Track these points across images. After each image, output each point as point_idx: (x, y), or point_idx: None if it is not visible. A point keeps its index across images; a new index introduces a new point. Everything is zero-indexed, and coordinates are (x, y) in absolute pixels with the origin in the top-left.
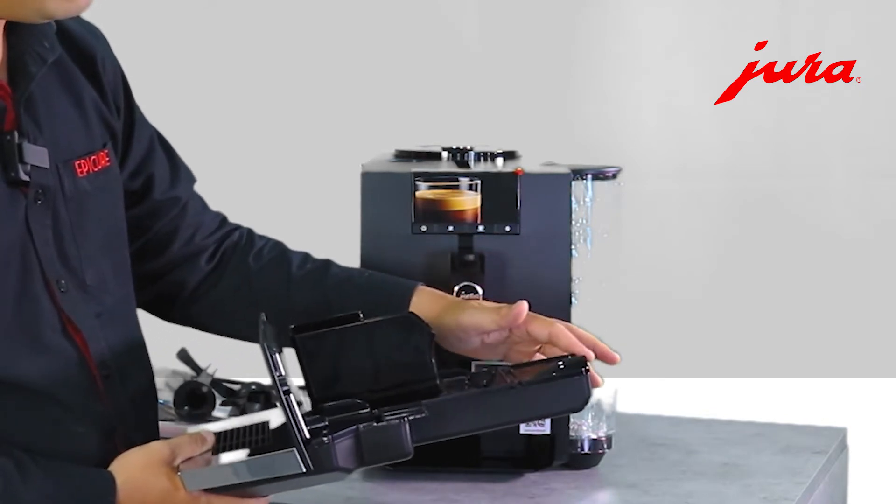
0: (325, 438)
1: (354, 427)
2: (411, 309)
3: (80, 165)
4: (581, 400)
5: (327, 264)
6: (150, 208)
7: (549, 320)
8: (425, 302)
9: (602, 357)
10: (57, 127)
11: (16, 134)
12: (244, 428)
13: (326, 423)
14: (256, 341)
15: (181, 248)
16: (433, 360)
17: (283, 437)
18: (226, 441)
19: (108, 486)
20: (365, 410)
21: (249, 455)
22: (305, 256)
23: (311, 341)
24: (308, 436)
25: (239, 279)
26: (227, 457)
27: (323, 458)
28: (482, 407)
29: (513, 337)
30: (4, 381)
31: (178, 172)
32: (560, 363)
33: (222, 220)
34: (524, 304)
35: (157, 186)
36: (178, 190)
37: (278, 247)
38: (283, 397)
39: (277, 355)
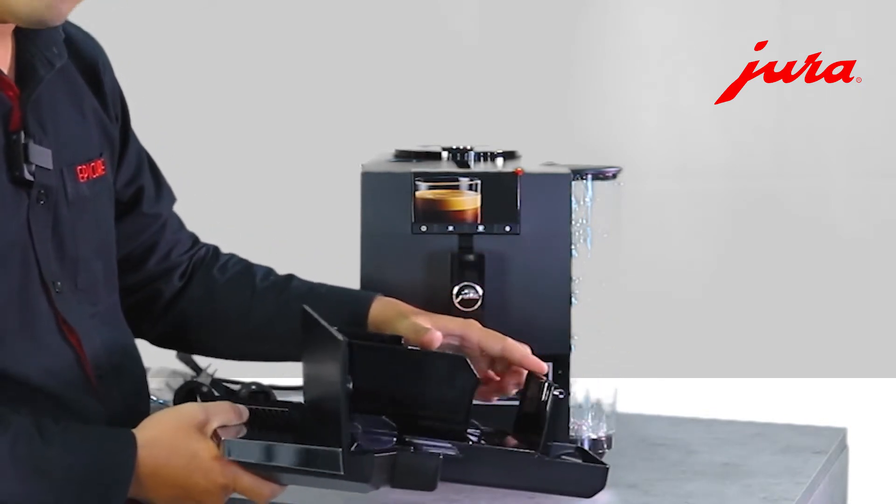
0: (367, 451)
1: (395, 449)
2: (370, 317)
3: (81, 171)
4: (595, 489)
5: (290, 277)
6: (136, 221)
7: (500, 336)
8: (381, 310)
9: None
10: (61, 131)
11: (22, 134)
12: (269, 411)
13: (360, 431)
14: (221, 356)
15: (158, 264)
16: (470, 408)
17: (314, 434)
18: (255, 419)
19: (129, 444)
20: (394, 432)
21: (290, 443)
22: (269, 270)
23: (363, 352)
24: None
25: (203, 291)
26: (272, 437)
27: (361, 468)
28: (506, 466)
29: (464, 352)
30: (6, 378)
31: (162, 189)
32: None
33: (195, 239)
34: (436, 336)
35: (146, 200)
36: (162, 206)
37: (242, 262)
38: (346, 403)
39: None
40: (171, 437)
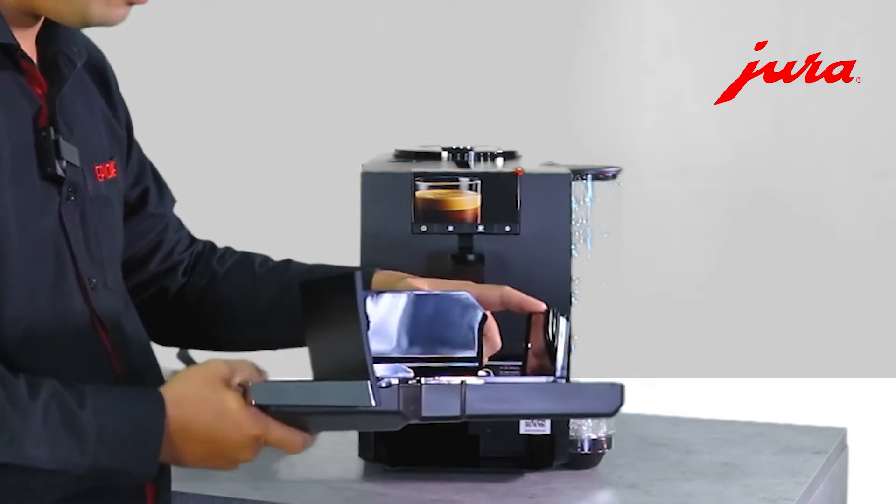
0: (392, 382)
1: (418, 379)
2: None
3: (98, 171)
4: (616, 406)
5: (288, 260)
6: (142, 221)
7: (496, 285)
8: (380, 282)
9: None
10: (80, 130)
11: (51, 130)
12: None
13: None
14: (227, 348)
15: (161, 263)
16: (482, 343)
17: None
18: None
19: (158, 403)
20: (409, 375)
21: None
22: (266, 257)
23: (372, 299)
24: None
25: (205, 282)
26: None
27: (389, 398)
28: (527, 396)
29: None
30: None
31: (164, 191)
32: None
33: (192, 237)
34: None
35: (151, 200)
36: (165, 207)
37: (239, 252)
38: (366, 335)
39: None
40: (197, 391)
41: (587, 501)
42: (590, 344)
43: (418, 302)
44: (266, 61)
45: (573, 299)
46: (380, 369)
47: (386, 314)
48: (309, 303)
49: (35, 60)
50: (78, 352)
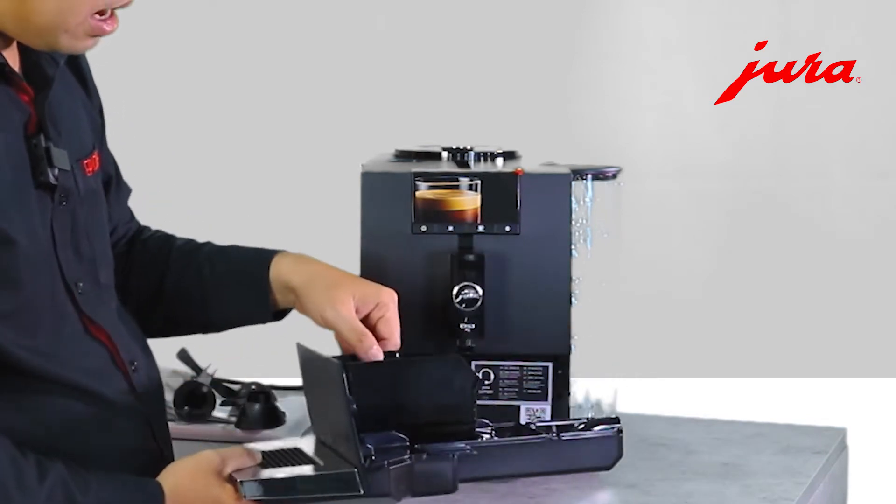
0: (382, 464)
1: (409, 457)
2: (272, 273)
3: (86, 165)
4: (612, 458)
5: (206, 243)
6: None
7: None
8: (286, 267)
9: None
10: (67, 128)
11: (42, 137)
12: (280, 451)
13: (372, 450)
14: (152, 332)
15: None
16: (474, 405)
17: (329, 461)
18: (268, 460)
19: (157, 495)
20: (406, 444)
21: (304, 472)
22: (189, 240)
23: (360, 371)
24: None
25: (124, 262)
26: (286, 471)
27: (379, 482)
28: (521, 454)
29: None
30: (50, 381)
31: (121, 183)
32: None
33: (138, 227)
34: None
35: (111, 188)
36: (121, 194)
37: (165, 233)
38: (353, 422)
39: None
40: (191, 484)
41: (587, 501)
42: (590, 344)
43: (407, 367)
44: (266, 61)
45: (573, 299)
46: (374, 441)
47: (375, 383)
48: (305, 366)
49: (18, 64)
50: (82, 357)
